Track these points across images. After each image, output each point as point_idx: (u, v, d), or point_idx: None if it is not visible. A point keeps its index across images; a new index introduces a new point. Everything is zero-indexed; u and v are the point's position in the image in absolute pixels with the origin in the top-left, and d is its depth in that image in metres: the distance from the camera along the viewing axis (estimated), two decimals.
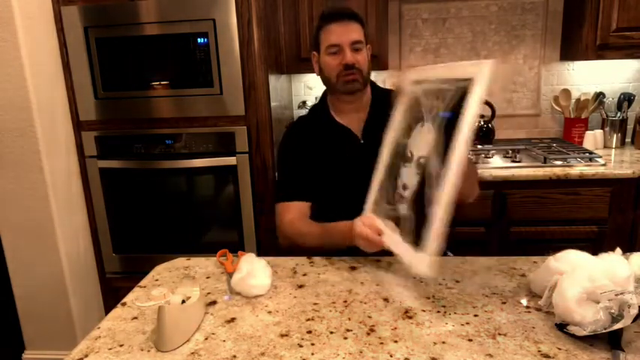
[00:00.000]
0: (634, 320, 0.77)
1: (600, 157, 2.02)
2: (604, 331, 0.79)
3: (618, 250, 0.92)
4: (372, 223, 1.13)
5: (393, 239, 1.07)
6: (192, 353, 0.85)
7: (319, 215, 1.46)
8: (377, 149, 1.36)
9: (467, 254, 1.20)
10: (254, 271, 1.06)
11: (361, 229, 1.13)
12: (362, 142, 1.42)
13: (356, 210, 1.39)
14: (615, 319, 0.78)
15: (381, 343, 0.85)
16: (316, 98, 2.49)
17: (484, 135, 2.34)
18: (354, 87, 1.39)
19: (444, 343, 0.84)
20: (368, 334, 0.88)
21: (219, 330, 0.92)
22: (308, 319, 0.94)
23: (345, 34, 1.35)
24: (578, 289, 0.83)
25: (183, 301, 0.92)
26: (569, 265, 0.92)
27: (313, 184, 1.42)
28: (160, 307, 0.86)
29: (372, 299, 1.01)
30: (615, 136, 2.32)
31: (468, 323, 0.90)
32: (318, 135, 1.45)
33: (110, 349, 0.88)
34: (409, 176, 1.08)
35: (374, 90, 1.48)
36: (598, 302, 0.81)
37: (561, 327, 0.85)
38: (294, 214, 1.40)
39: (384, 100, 1.43)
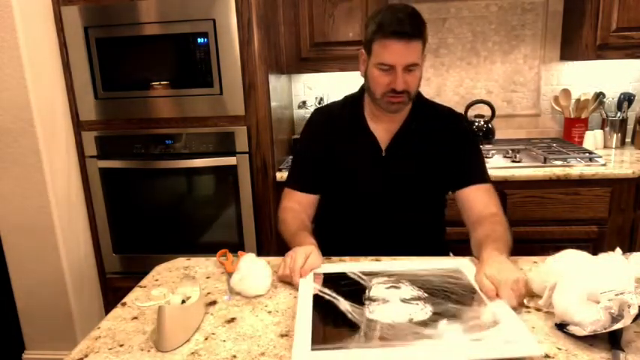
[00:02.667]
0: (634, 320, 0.77)
1: (600, 157, 2.02)
2: (604, 331, 0.79)
3: (618, 250, 0.92)
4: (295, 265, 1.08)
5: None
6: (192, 353, 0.85)
7: (323, 214, 1.45)
8: (398, 165, 1.32)
9: (467, 254, 1.19)
10: (254, 271, 1.06)
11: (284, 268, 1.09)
12: (384, 155, 1.34)
13: (359, 220, 1.37)
14: (615, 319, 0.78)
15: None
16: (316, 98, 2.50)
17: (484, 135, 2.34)
18: (398, 109, 1.29)
19: None
20: None
21: (219, 330, 0.92)
22: None
23: (402, 56, 1.19)
24: (578, 289, 0.83)
25: (183, 301, 0.92)
26: (569, 265, 0.92)
27: (323, 179, 1.38)
28: (159, 307, 0.86)
29: None
30: (615, 136, 2.32)
31: None
32: (343, 132, 1.37)
33: (110, 349, 0.88)
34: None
35: (416, 100, 1.34)
36: (598, 302, 0.81)
37: (561, 327, 0.85)
38: (293, 203, 1.38)
39: (422, 114, 1.35)
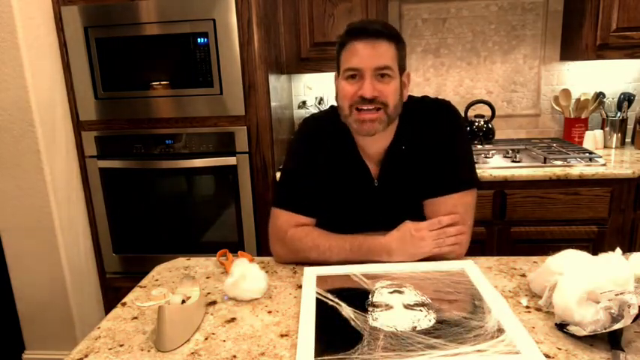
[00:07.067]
0: (634, 320, 0.77)
1: (600, 157, 2.02)
2: (604, 331, 0.79)
3: (618, 250, 0.92)
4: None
5: None
6: (192, 353, 0.85)
7: None
8: (391, 194, 1.20)
9: (467, 254, 1.19)
10: (247, 275, 1.03)
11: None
12: (376, 184, 1.22)
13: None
14: (615, 319, 0.78)
15: None
16: (316, 98, 2.49)
17: (484, 135, 2.34)
18: (370, 129, 1.11)
19: None
20: None
21: (219, 330, 0.92)
22: None
23: (370, 57, 1.07)
24: (578, 289, 0.83)
25: (184, 301, 0.92)
26: (569, 265, 0.92)
27: (318, 202, 1.24)
28: (160, 307, 0.86)
29: None
30: (615, 136, 2.32)
31: None
32: (334, 154, 1.23)
33: (110, 349, 0.88)
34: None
35: (408, 108, 1.20)
36: (598, 302, 0.81)
37: (561, 327, 0.85)
38: (293, 225, 1.21)
39: (410, 122, 1.20)
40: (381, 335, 0.85)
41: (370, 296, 0.98)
